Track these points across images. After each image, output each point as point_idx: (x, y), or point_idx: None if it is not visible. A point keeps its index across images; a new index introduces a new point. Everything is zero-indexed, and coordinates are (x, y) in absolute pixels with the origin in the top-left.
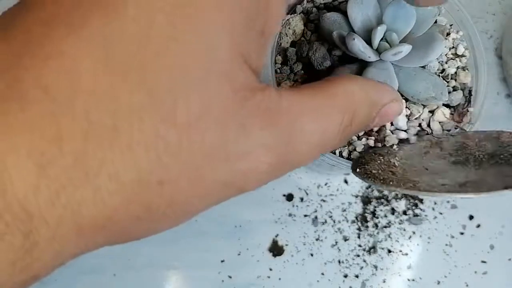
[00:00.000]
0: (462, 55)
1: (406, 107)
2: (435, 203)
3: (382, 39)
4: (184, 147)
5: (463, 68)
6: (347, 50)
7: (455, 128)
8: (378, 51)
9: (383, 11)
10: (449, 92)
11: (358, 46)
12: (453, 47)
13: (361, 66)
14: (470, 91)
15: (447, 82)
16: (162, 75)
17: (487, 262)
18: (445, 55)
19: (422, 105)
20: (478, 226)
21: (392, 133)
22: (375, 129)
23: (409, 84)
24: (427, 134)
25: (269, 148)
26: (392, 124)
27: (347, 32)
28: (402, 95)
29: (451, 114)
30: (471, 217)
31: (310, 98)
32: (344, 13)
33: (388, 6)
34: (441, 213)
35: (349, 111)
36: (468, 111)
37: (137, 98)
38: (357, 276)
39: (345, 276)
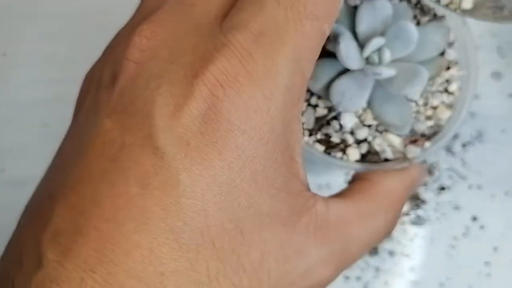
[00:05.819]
0: (451, 93)
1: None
2: (438, 204)
3: (375, 51)
4: None
5: (447, 106)
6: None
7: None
8: (367, 61)
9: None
10: (419, 120)
11: (343, 51)
12: (447, 81)
13: (343, 69)
14: (435, 132)
15: (425, 109)
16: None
17: (491, 264)
18: (437, 84)
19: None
20: (482, 227)
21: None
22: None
23: (378, 102)
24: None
25: (327, 262)
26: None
27: (346, 28)
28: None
29: (404, 137)
30: (474, 218)
31: (354, 204)
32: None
33: (395, 22)
34: (443, 214)
35: (392, 207)
36: (423, 144)
37: (213, 265)
38: (358, 278)
39: (346, 278)
